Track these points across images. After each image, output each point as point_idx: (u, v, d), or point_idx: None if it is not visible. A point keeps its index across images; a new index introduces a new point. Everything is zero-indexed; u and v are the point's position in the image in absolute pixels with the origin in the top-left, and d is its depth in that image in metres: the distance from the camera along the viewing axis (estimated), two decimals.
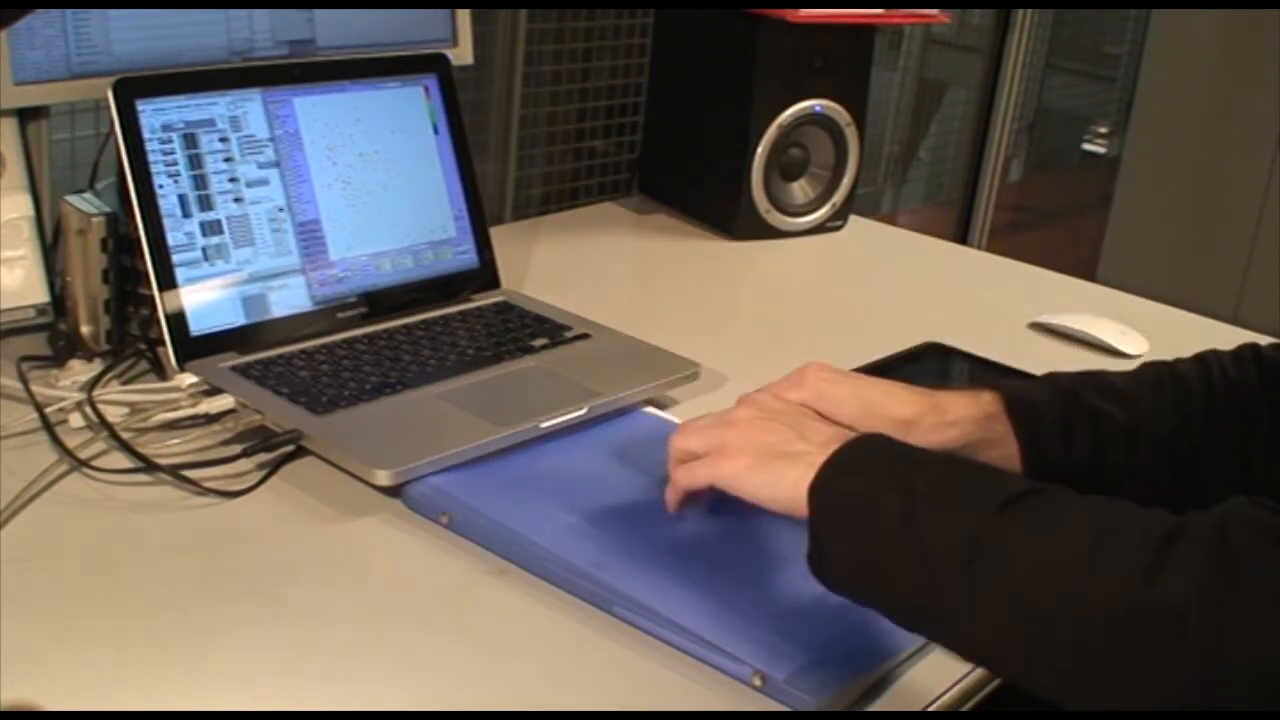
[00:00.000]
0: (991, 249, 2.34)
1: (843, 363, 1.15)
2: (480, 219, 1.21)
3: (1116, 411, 0.88)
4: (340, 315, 1.10)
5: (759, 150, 1.51)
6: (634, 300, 1.37)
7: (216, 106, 1.06)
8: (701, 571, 0.82)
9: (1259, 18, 2.83)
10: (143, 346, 1.07)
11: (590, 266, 1.44)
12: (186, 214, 1.03)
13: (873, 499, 0.70)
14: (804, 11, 1.45)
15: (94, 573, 0.80)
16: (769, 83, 1.49)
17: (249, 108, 1.07)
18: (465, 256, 1.20)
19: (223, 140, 1.05)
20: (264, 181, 1.07)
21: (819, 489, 0.72)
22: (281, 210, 1.08)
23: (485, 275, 1.21)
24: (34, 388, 0.96)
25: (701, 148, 1.58)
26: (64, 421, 0.95)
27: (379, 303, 1.13)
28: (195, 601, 0.78)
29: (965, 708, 0.78)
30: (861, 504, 0.71)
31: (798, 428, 0.79)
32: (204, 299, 1.03)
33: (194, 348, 1.01)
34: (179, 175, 1.03)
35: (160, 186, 1.02)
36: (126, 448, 0.92)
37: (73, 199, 1.06)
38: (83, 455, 0.91)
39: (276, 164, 1.08)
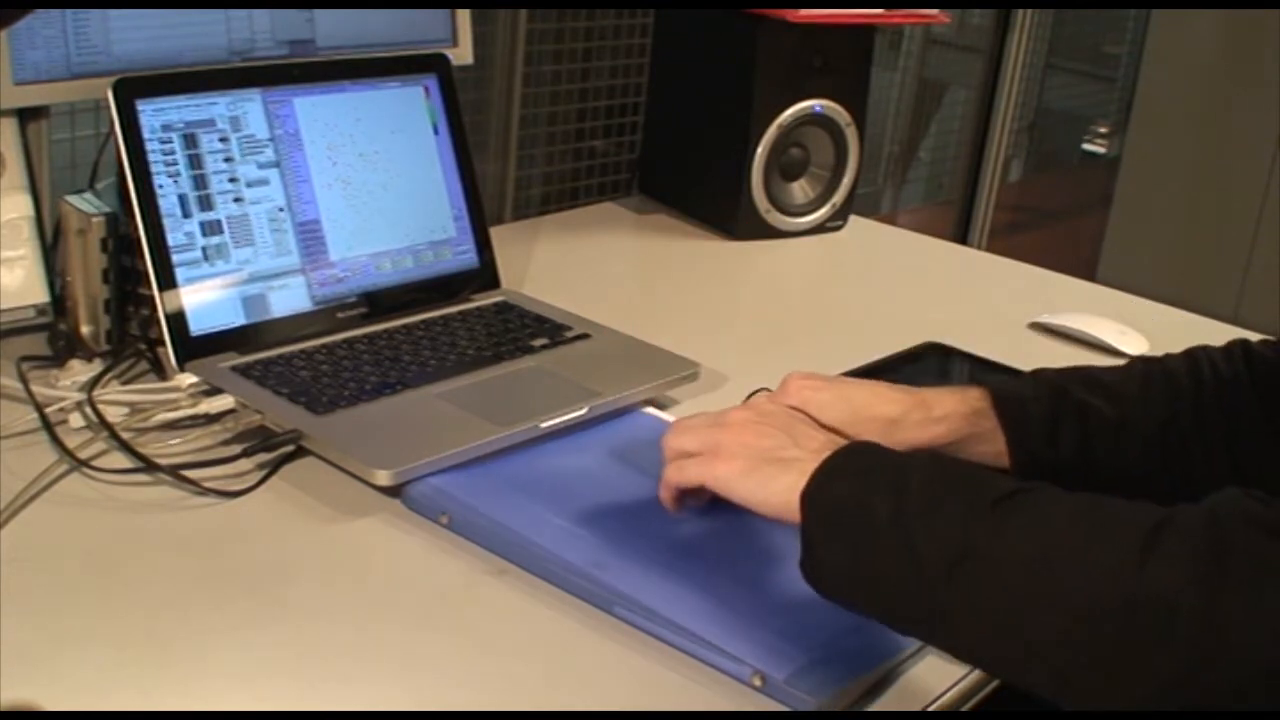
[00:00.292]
0: (991, 249, 2.34)
1: (843, 363, 1.15)
2: (480, 219, 1.21)
3: (1104, 407, 0.88)
4: (340, 315, 1.10)
5: (759, 150, 1.51)
6: (634, 300, 1.37)
7: (216, 106, 1.06)
8: (701, 571, 0.82)
9: (1259, 18, 2.83)
10: (143, 346, 1.07)
11: (590, 266, 1.44)
12: (186, 214, 1.03)
13: (863, 505, 0.70)
14: (804, 11, 1.45)
15: (94, 573, 0.80)
16: (769, 83, 1.49)
17: (249, 108, 1.07)
18: (465, 256, 1.20)
19: (223, 140, 1.05)
20: (264, 181, 1.07)
21: (810, 495, 0.73)
22: (281, 210, 1.08)
23: (485, 275, 1.21)
24: (34, 388, 0.96)
25: (701, 148, 1.58)
26: (64, 421, 0.95)
27: (379, 303, 1.13)
28: (195, 601, 0.78)
29: (965, 708, 0.78)
30: (852, 510, 0.71)
31: (791, 433, 0.79)
32: (204, 299, 1.03)
33: (194, 348, 1.01)
34: (179, 175, 1.03)
35: (160, 186, 1.02)
36: (126, 448, 0.92)
37: (73, 199, 1.06)
38: (83, 455, 0.91)
39: (276, 164, 1.08)
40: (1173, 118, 3.03)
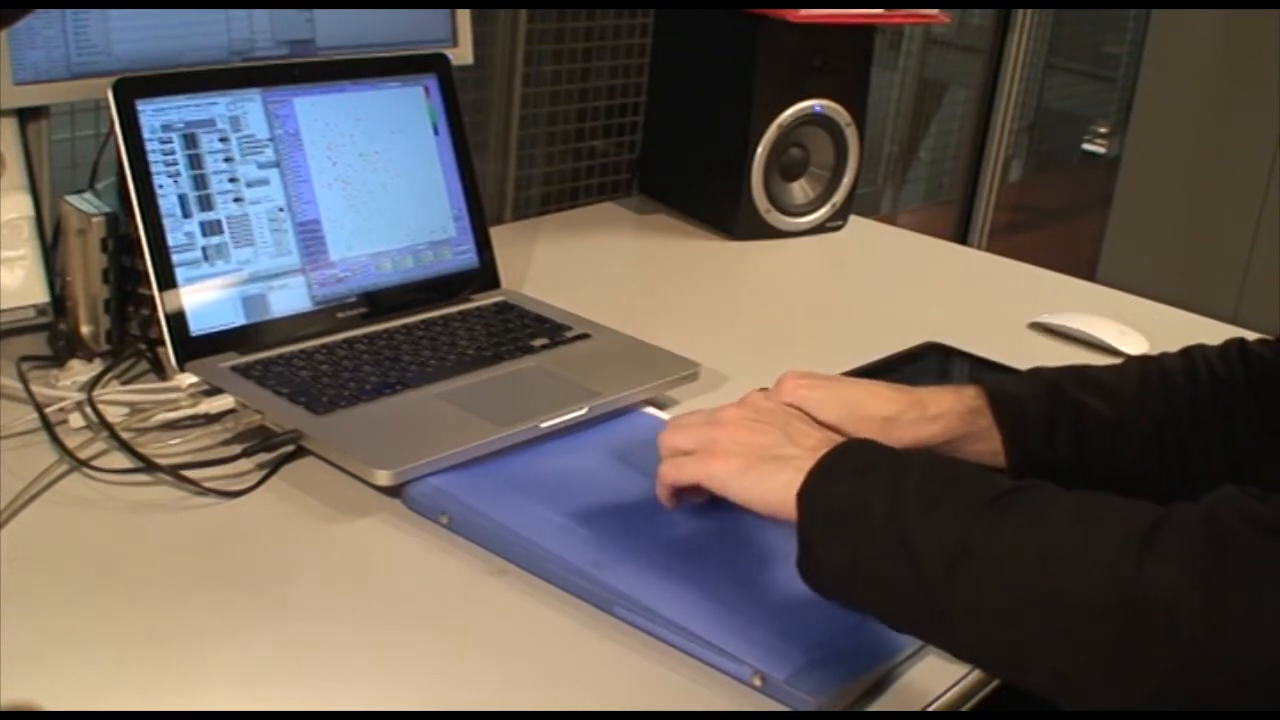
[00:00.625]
0: (991, 249, 2.34)
1: (843, 363, 1.15)
2: (480, 219, 1.21)
3: (1100, 405, 0.88)
4: (340, 315, 1.10)
5: (759, 150, 1.51)
6: (634, 300, 1.37)
7: (216, 106, 1.06)
8: (701, 571, 0.82)
9: (1259, 18, 2.83)
10: (143, 346, 1.07)
11: (590, 266, 1.44)
12: (186, 214, 1.03)
13: (860, 503, 0.70)
14: (804, 11, 1.45)
15: (94, 573, 0.80)
16: (769, 83, 1.49)
17: (249, 108, 1.07)
18: (465, 256, 1.20)
19: (223, 140, 1.05)
20: (264, 181, 1.07)
21: (807, 494, 0.72)
22: (281, 210, 1.08)
23: (485, 275, 1.22)
24: (34, 388, 0.96)
25: (701, 148, 1.58)
26: (64, 421, 0.95)
27: (379, 303, 1.13)
28: (195, 601, 0.78)
29: (965, 708, 0.78)
30: (849, 508, 0.71)
31: (787, 430, 0.79)
32: (204, 299, 1.03)
33: (194, 348, 1.01)
34: (179, 175, 1.03)
35: (160, 186, 1.02)
36: (126, 448, 0.92)
37: (73, 199, 1.06)
38: (83, 455, 0.91)
39: (276, 164, 1.08)
40: (1173, 118, 3.03)
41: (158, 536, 0.85)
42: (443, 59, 1.21)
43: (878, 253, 1.60)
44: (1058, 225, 3.49)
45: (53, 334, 1.06)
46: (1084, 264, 3.05)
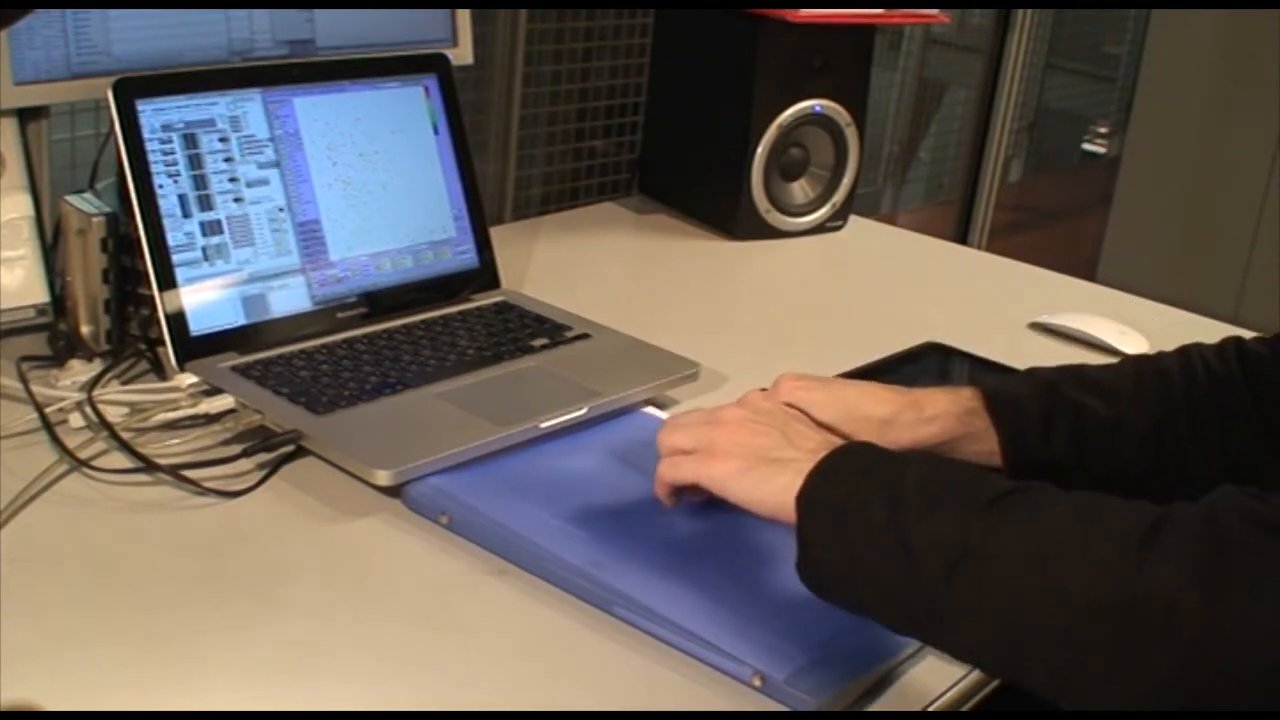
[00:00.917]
0: (991, 249, 2.34)
1: (843, 363, 1.15)
2: (480, 219, 1.21)
3: (1097, 405, 0.88)
4: (340, 315, 1.10)
5: (759, 150, 1.51)
6: (634, 300, 1.37)
7: (216, 106, 1.06)
8: (701, 572, 0.82)
9: (1259, 18, 2.83)
10: (143, 346, 1.07)
11: (590, 266, 1.44)
12: (186, 214, 1.03)
13: (859, 505, 0.70)
14: (804, 11, 1.45)
15: (94, 573, 0.80)
16: (769, 83, 1.49)
17: (249, 108, 1.07)
18: (465, 256, 1.20)
19: (223, 140, 1.05)
20: (264, 181, 1.07)
21: (806, 496, 0.73)
22: (281, 210, 1.08)
23: (485, 275, 1.22)
24: (34, 388, 0.96)
25: (701, 148, 1.58)
26: (64, 421, 0.95)
27: (379, 303, 1.13)
28: (195, 601, 0.78)
29: (965, 708, 0.78)
30: (848, 511, 0.71)
31: (787, 432, 0.79)
32: (204, 299, 1.03)
33: (194, 348, 1.01)
34: (179, 175, 1.03)
35: (160, 186, 1.02)
36: (126, 448, 0.92)
37: (73, 199, 1.06)
38: (83, 455, 0.91)
39: (276, 164, 1.08)
40: (1173, 118, 3.03)
41: (158, 536, 0.85)
42: (443, 59, 1.21)
43: (878, 253, 1.60)
44: (1058, 225, 3.49)
45: (53, 334, 1.06)
46: (1084, 264, 3.05)
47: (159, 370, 1.05)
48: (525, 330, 1.14)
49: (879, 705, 0.75)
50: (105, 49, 1.08)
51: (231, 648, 0.74)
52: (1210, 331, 1.36)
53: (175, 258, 1.01)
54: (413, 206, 1.17)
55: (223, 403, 0.96)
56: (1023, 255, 1.61)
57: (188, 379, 0.98)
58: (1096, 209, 3.25)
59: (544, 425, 0.98)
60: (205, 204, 1.04)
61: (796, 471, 0.74)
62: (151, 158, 1.01)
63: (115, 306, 1.06)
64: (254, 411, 0.95)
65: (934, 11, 1.60)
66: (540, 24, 1.67)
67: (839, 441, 0.78)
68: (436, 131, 1.19)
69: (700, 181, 1.59)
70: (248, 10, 1.15)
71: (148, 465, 0.90)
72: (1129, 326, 1.31)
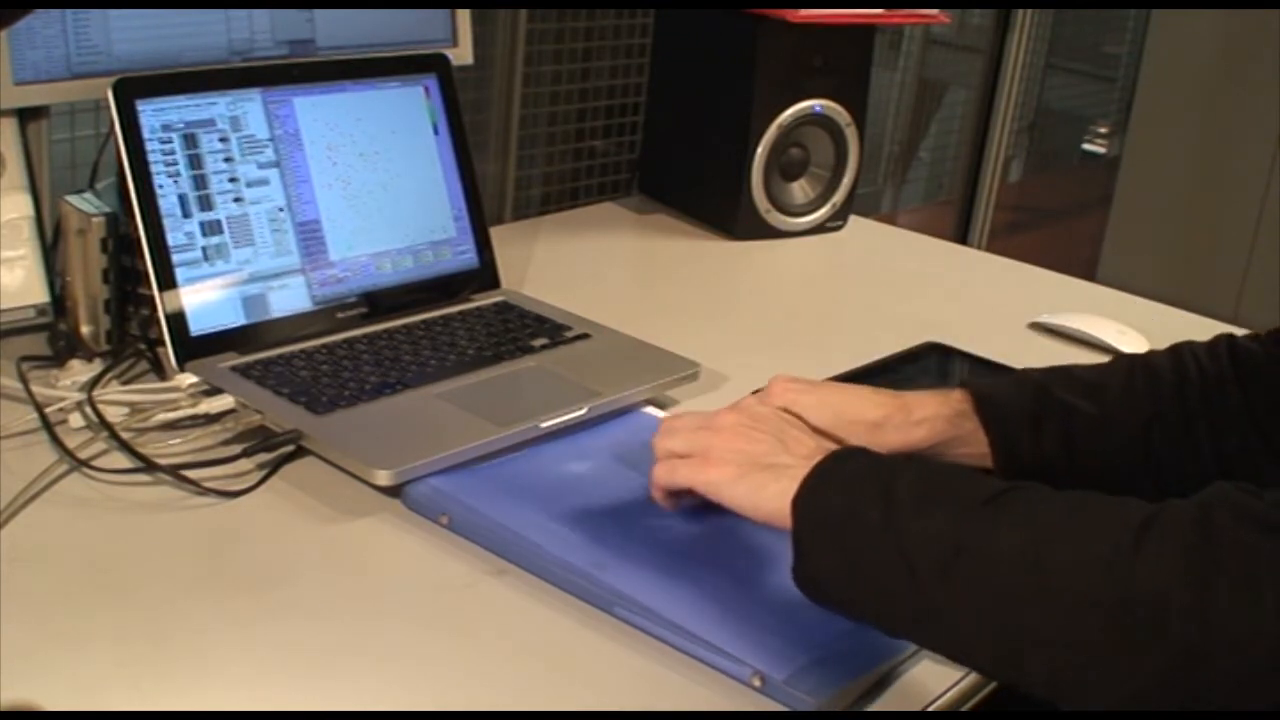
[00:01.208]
0: (991, 249, 2.34)
1: (843, 363, 1.15)
2: (480, 219, 1.21)
3: (1087, 405, 0.88)
4: (340, 315, 1.10)
5: (759, 150, 1.51)
6: (634, 300, 1.37)
7: (216, 106, 1.06)
8: (701, 572, 0.82)
9: (1259, 18, 2.83)
10: (143, 346, 1.07)
11: (590, 266, 1.44)
12: (186, 214, 1.03)
13: (854, 510, 0.71)
14: (804, 11, 1.45)
15: (94, 573, 0.80)
16: (769, 83, 1.49)
17: (249, 108, 1.07)
18: (465, 256, 1.20)
19: (223, 140, 1.05)
20: (264, 181, 1.07)
21: (801, 502, 0.73)
22: (281, 210, 1.08)
23: (485, 275, 1.22)
24: (34, 388, 0.96)
25: (701, 148, 1.58)
26: (64, 421, 0.95)
27: (379, 303, 1.13)
28: (195, 601, 0.78)
29: (965, 708, 0.78)
30: (843, 516, 0.71)
31: (782, 438, 0.79)
32: (204, 299, 1.03)
33: (194, 348, 1.01)
34: (179, 175, 1.03)
35: (160, 186, 1.02)
36: (126, 448, 0.92)
37: (73, 199, 1.06)
38: (83, 455, 0.91)
39: (276, 164, 1.08)
40: (1173, 118, 3.03)
41: (158, 536, 0.85)
42: (443, 59, 1.21)
43: (878, 253, 1.60)
44: (1058, 225, 3.49)
45: (53, 334, 1.06)
46: (1084, 264, 3.05)
47: (159, 370, 1.05)
48: (525, 330, 1.14)
49: (879, 705, 0.75)
50: (105, 49, 1.08)
51: (231, 648, 0.74)
52: (1210, 332, 1.35)
53: (175, 258, 1.01)
54: (413, 206, 1.17)
55: (223, 403, 0.96)
56: (1023, 255, 1.61)
57: (188, 379, 0.98)
58: (1096, 209, 3.25)
59: (544, 425, 0.98)
60: (205, 204, 1.04)
61: (792, 478, 0.74)
62: (151, 158, 1.01)
63: (115, 306, 1.06)
64: (254, 411, 0.95)
65: (934, 11, 1.60)
66: (540, 24, 1.67)
67: (833, 447, 0.78)
68: (436, 131, 1.19)
69: (700, 181, 1.59)
70: (248, 10, 1.15)
71: (148, 465, 0.91)
72: (1129, 326, 1.31)
